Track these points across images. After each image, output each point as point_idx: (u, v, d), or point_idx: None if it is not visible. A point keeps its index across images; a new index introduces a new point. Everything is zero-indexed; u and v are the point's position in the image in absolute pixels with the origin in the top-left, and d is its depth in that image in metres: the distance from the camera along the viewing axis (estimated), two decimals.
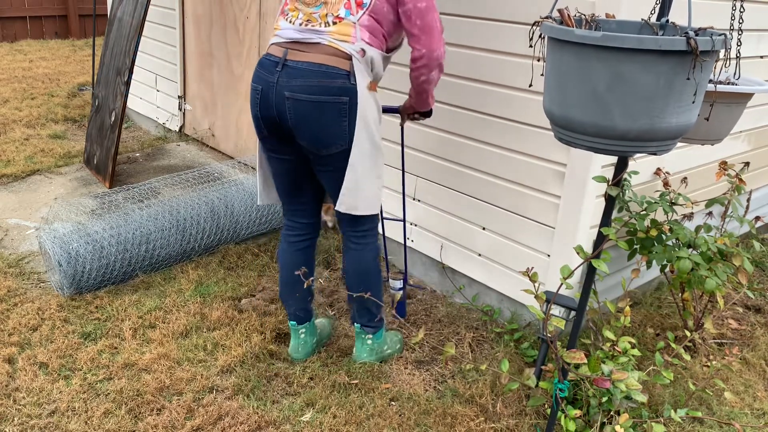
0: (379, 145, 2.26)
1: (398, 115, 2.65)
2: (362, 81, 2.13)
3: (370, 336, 2.55)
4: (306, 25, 2.15)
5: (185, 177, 3.80)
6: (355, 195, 2.25)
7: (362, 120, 2.16)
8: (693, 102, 1.56)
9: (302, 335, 2.58)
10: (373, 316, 2.52)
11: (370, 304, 2.48)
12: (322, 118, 2.13)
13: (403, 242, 3.29)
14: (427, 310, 3.02)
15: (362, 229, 2.41)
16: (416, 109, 2.42)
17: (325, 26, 2.13)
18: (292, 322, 2.57)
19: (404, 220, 2.82)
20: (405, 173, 3.05)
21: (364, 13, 2.12)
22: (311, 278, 2.45)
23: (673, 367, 2.60)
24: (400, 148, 3.16)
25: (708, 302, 2.76)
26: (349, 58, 2.11)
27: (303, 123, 2.15)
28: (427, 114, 2.50)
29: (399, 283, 2.81)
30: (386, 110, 2.57)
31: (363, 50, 2.12)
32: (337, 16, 2.12)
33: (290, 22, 2.19)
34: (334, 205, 2.32)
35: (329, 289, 3.14)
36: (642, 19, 1.75)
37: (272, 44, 2.22)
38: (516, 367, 2.58)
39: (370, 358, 2.57)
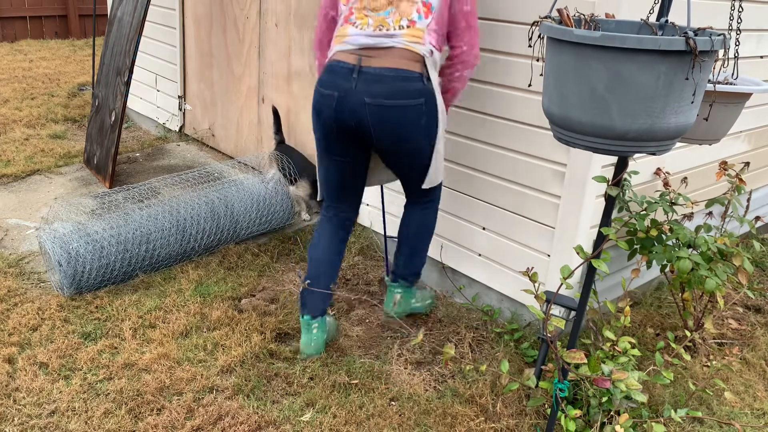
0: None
1: None
2: (434, 79, 2.29)
3: (401, 290, 2.77)
4: (380, 29, 2.26)
5: (185, 177, 3.80)
6: (437, 172, 2.48)
7: (442, 114, 2.35)
8: (692, 102, 1.56)
9: (315, 330, 2.59)
10: (416, 270, 2.73)
11: (418, 258, 2.70)
12: (404, 120, 2.27)
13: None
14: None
15: (432, 195, 2.63)
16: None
17: (399, 29, 2.26)
18: (306, 316, 2.57)
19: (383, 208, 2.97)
20: None
21: (432, 17, 2.26)
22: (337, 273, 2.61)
23: (673, 367, 2.60)
24: None
25: (708, 302, 2.76)
26: (421, 59, 2.24)
27: (385, 126, 2.27)
28: None
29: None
30: None
31: (432, 51, 2.27)
32: (411, 20, 2.25)
33: (359, 28, 2.29)
34: (407, 183, 2.56)
35: (334, 287, 3.13)
36: (641, 19, 1.75)
37: (340, 51, 2.30)
38: (516, 367, 2.58)
39: (398, 309, 2.81)
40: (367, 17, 2.28)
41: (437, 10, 2.27)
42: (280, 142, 3.99)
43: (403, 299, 2.81)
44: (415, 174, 2.49)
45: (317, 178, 2.59)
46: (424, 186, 2.50)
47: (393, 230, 3.34)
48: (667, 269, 2.68)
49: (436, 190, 2.65)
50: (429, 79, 2.27)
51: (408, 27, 2.25)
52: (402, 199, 3.25)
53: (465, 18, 2.32)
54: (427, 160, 2.41)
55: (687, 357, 2.28)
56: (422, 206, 2.65)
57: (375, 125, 2.27)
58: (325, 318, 2.62)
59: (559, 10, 1.67)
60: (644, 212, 2.53)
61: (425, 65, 2.26)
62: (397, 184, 3.23)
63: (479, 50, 2.40)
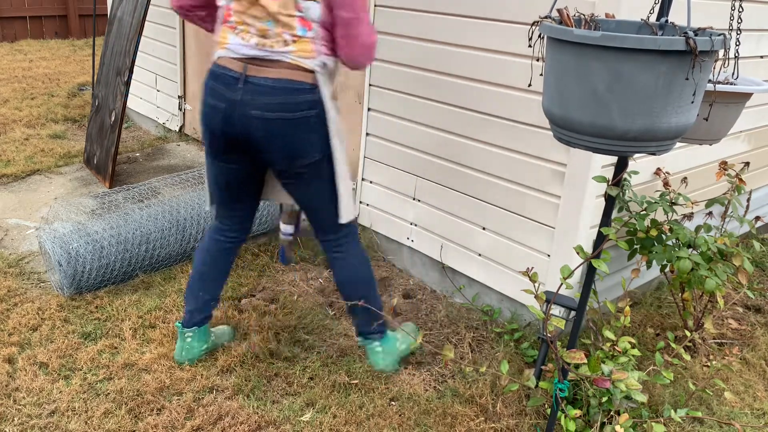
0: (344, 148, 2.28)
1: None
2: (327, 92, 2.14)
3: (378, 342, 2.51)
4: (266, 46, 2.09)
5: (185, 177, 3.80)
6: (352, 201, 2.27)
7: (335, 129, 2.18)
8: (692, 102, 1.56)
9: (189, 339, 2.51)
10: (375, 324, 2.47)
11: (371, 312, 2.43)
12: (294, 133, 2.12)
13: (403, 242, 3.29)
14: (427, 310, 3.02)
15: (343, 233, 2.39)
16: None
17: (284, 45, 2.08)
18: (178, 323, 2.52)
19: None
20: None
21: (318, 26, 2.08)
22: (221, 282, 2.48)
23: (673, 367, 2.60)
24: (400, 147, 3.16)
25: (708, 302, 2.76)
26: (312, 72, 2.10)
27: (273, 140, 2.13)
28: None
29: (290, 229, 2.68)
30: None
31: (324, 63, 2.12)
32: (295, 35, 2.08)
33: (242, 38, 2.12)
34: (309, 215, 2.36)
35: (329, 289, 3.14)
36: (641, 19, 1.75)
37: (223, 57, 2.17)
38: (516, 367, 2.58)
39: (388, 361, 2.52)
40: (248, 25, 2.10)
41: (321, 17, 2.08)
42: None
43: (386, 347, 2.54)
44: (305, 200, 2.32)
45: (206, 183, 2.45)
46: (343, 221, 2.31)
47: (393, 230, 3.34)
48: (667, 269, 2.68)
49: (348, 231, 2.41)
50: (320, 91, 2.12)
51: (294, 42, 2.08)
52: (399, 196, 3.25)
53: (344, 25, 2.08)
54: (328, 182, 2.24)
55: (687, 357, 2.28)
56: (337, 249, 2.41)
57: (263, 139, 2.13)
58: (205, 328, 2.53)
59: (559, 10, 1.67)
60: (644, 212, 2.53)
61: (317, 78, 2.11)
62: (390, 180, 3.23)
63: (365, 54, 2.13)
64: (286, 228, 2.67)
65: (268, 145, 2.14)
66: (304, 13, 2.05)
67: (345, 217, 2.30)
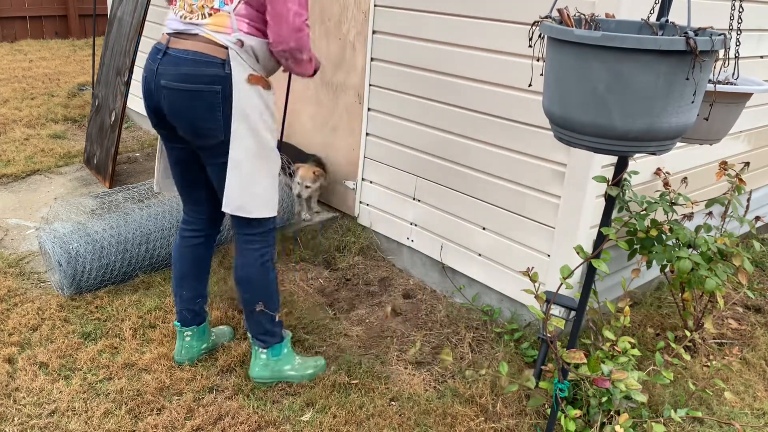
0: (268, 143, 2.17)
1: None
2: (239, 72, 2.06)
3: (264, 350, 2.40)
4: (187, 18, 2.10)
5: None
6: (242, 195, 2.16)
7: (239, 112, 2.08)
8: (692, 102, 1.56)
9: (187, 338, 2.50)
10: (264, 330, 2.38)
11: (261, 317, 2.34)
12: (195, 107, 2.07)
13: (403, 242, 3.29)
14: (428, 310, 3.02)
15: (252, 232, 2.27)
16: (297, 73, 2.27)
17: (202, 18, 2.08)
18: (176, 322, 2.50)
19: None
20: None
21: (240, 2, 2.04)
22: (202, 278, 2.42)
23: (673, 367, 2.60)
24: (400, 147, 3.16)
25: (708, 302, 2.76)
26: (225, 48, 2.05)
27: (177, 112, 2.10)
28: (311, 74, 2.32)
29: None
30: None
31: (240, 41, 2.05)
32: (213, 8, 2.06)
33: (175, 13, 2.15)
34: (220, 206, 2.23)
35: (329, 289, 3.14)
36: (641, 19, 1.75)
37: (162, 33, 2.18)
38: (516, 368, 2.58)
39: (263, 374, 2.41)
40: (182, 1, 2.12)
41: None
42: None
43: (271, 360, 2.42)
44: (217, 183, 2.22)
45: None
46: (223, 208, 2.18)
47: (393, 229, 3.34)
48: (667, 269, 2.68)
49: (265, 231, 2.28)
50: (230, 67, 2.04)
51: (210, 15, 2.06)
52: (399, 198, 3.25)
53: (270, 2, 2.02)
54: (222, 167, 2.14)
55: (687, 357, 2.28)
56: (242, 245, 2.29)
57: (168, 110, 2.10)
58: (203, 327, 2.53)
59: (559, 10, 1.67)
60: (644, 212, 2.53)
61: (228, 54, 2.05)
62: (390, 180, 3.23)
63: (295, 43, 2.06)
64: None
65: (174, 116, 2.11)
66: None
67: (227, 207, 2.18)
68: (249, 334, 2.44)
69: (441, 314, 2.97)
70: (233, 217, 2.25)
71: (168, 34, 2.14)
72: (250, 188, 2.17)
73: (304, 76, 2.26)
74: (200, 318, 2.52)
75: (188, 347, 2.51)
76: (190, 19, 2.09)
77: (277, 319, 2.38)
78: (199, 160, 2.29)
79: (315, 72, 2.31)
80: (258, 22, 2.08)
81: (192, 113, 2.08)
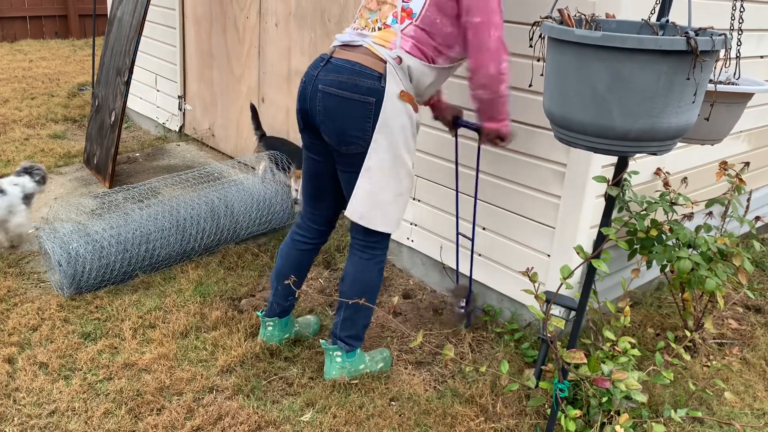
0: (404, 162, 2.21)
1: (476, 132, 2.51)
2: (393, 86, 2.12)
3: (339, 354, 2.44)
4: (359, 30, 2.22)
5: (185, 177, 3.80)
6: (368, 204, 2.23)
7: (384, 125, 2.14)
8: (693, 102, 1.56)
9: (269, 327, 2.63)
10: (356, 333, 2.44)
11: (359, 319, 2.41)
12: (347, 114, 2.14)
13: (403, 242, 3.28)
14: (428, 310, 3.02)
15: (372, 240, 2.35)
16: (487, 126, 2.31)
17: (371, 31, 2.19)
18: (259, 313, 2.64)
19: (472, 244, 2.75)
20: (458, 177, 2.89)
21: (411, 24, 2.14)
22: (294, 280, 2.47)
23: (673, 367, 2.60)
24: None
25: (708, 302, 2.76)
26: (384, 62, 2.13)
27: (328, 117, 2.18)
28: (501, 137, 2.34)
29: (462, 302, 2.79)
30: (465, 125, 2.52)
31: (400, 57, 2.12)
32: (385, 23, 2.18)
33: (353, 28, 2.26)
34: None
35: (330, 289, 3.14)
36: (642, 19, 1.75)
37: (331, 46, 2.28)
38: (516, 368, 2.58)
39: (339, 375, 2.46)
40: (362, 18, 2.26)
41: (420, 18, 2.13)
42: (263, 137, 4.01)
43: (347, 362, 2.47)
44: (348, 189, 2.29)
45: None
46: (347, 213, 2.26)
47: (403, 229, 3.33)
48: (667, 269, 2.68)
49: (381, 240, 2.36)
50: (386, 82, 2.11)
51: (380, 29, 2.18)
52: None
53: (473, 31, 2.09)
54: (356, 174, 2.21)
55: (687, 357, 2.28)
56: (360, 252, 2.37)
57: (320, 113, 2.18)
58: (287, 320, 2.64)
59: (559, 10, 1.67)
60: (644, 212, 2.53)
61: (386, 69, 2.12)
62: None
63: (494, 71, 2.11)
64: (458, 302, 2.78)
65: (324, 119, 2.19)
66: (408, 4, 2.14)
67: (352, 215, 2.25)
68: (323, 342, 2.49)
69: (441, 314, 2.97)
70: (354, 222, 2.30)
71: (335, 46, 2.24)
72: (376, 201, 2.23)
73: (490, 122, 2.27)
74: (285, 313, 2.62)
75: (269, 335, 2.63)
76: (362, 30, 2.21)
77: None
78: (332, 173, 2.37)
79: (506, 136, 2.32)
80: (424, 45, 2.16)
81: (342, 119, 2.16)
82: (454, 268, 3.00)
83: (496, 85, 2.15)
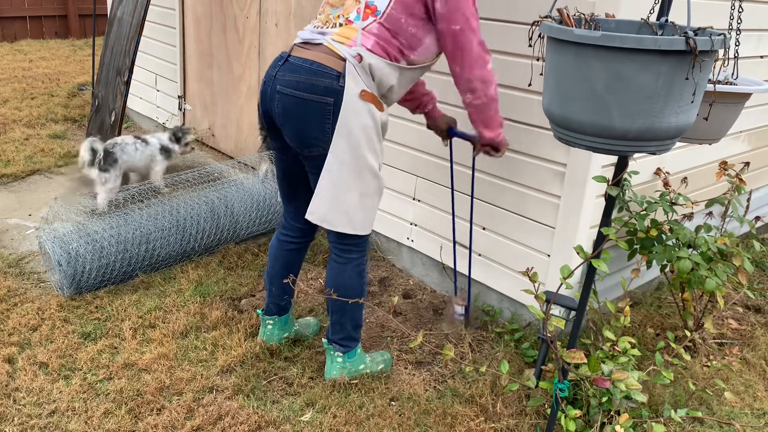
0: (366, 161, 2.13)
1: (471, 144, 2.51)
2: (353, 86, 2.05)
3: (340, 354, 2.44)
4: (319, 27, 2.17)
5: (185, 177, 3.80)
6: (329, 206, 2.17)
7: (344, 126, 2.07)
8: (692, 102, 1.56)
9: (269, 326, 2.63)
10: (347, 335, 2.42)
11: (346, 321, 2.39)
12: (305, 115, 2.10)
13: (403, 242, 3.28)
14: (427, 310, 3.02)
15: (346, 243, 2.30)
16: (481, 135, 2.29)
17: (332, 28, 2.13)
18: (259, 311, 2.64)
19: (470, 248, 2.74)
20: (453, 190, 2.86)
21: (375, 21, 2.08)
22: (293, 279, 2.47)
23: (673, 367, 2.60)
24: (400, 147, 3.16)
25: (708, 302, 2.76)
26: (343, 60, 2.06)
27: (287, 118, 2.14)
28: (496, 147, 2.33)
29: (462, 309, 2.78)
30: (460, 136, 2.50)
31: (360, 55, 2.05)
32: (347, 20, 2.11)
33: (312, 25, 2.21)
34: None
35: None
36: (641, 19, 1.75)
37: (293, 44, 2.23)
38: (516, 367, 2.58)
39: (339, 375, 2.45)
40: (323, 14, 2.19)
41: (384, 16, 2.06)
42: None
43: (348, 363, 2.46)
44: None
45: None
46: (307, 215, 2.20)
47: (392, 230, 3.33)
48: (667, 269, 2.68)
49: (356, 243, 2.31)
50: (345, 81, 2.04)
51: (341, 26, 2.11)
52: (399, 198, 3.25)
53: (453, 38, 2.07)
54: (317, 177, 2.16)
55: (687, 357, 2.28)
56: (336, 256, 2.33)
57: (279, 115, 2.14)
58: (286, 318, 2.63)
59: (559, 10, 1.67)
60: (644, 212, 2.53)
61: (345, 68, 2.05)
62: (394, 183, 3.23)
63: (480, 74, 2.10)
64: (458, 309, 2.76)
65: (283, 121, 2.15)
66: (373, 1, 2.08)
67: (312, 216, 2.20)
68: (324, 341, 2.47)
69: (441, 314, 2.97)
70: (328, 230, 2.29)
71: (295, 44, 2.19)
72: (337, 202, 2.17)
73: (485, 132, 2.26)
74: (284, 311, 2.61)
75: (269, 334, 2.63)
76: (321, 28, 2.15)
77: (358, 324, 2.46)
78: (303, 172, 2.33)
79: (501, 145, 2.31)
80: (387, 44, 2.09)
81: (301, 121, 2.11)
82: (453, 269, 3.00)
83: (484, 89, 2.13)
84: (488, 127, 2.25)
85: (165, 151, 3.96)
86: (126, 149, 3.79)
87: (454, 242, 2.84)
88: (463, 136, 2.49)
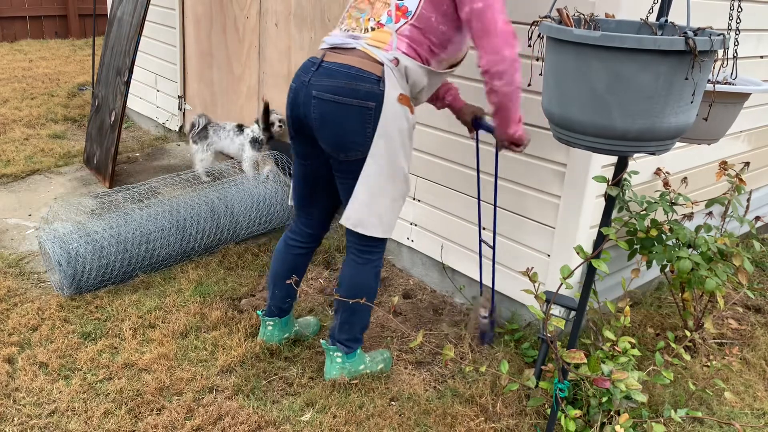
0: (401, 167, 2.16)
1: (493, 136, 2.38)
2: (392, 90, 2.07)
3: (340, 354, 2.43)
4: (350, 31, 2.15)
5: (185, 177, 3.80)
6: (365, 212, 2.18)
7: (383, 130, 2.09)
8: (692, 102, 1.56)
9: (269, 327, 2.63)
10: (353, 336, 2.43)
11: (356, 322, 2.40)
12: (346, 120, 2.09)
13: (403, 242, 3.28)
14: (428, 310, 3.02)
15: (368, 244, 2.30)
16: (502, 131, 2.21)
17: (364, 32, 2.12)
18: (259, 312, 2.65)
19: (494, 250, 2.65)
20: (480, 191, 2.76)
21: (407, 23, 2.08)
22: (296, 280, 2.47)
23: (673, 367, 2.60)
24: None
25: (708, 302, 2.76)
26: (381, 64, 2.06)
27: (326, 124, 2.12)
28: (516, 142, 2.24)
29: (486, 312, 2.73)
30: (482, 127, 2.41)
31: (397, 59, 2.06)
32: (378, 23, 2.11)
33: (340, 29, 2.20)
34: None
35: (330, 289, 3.14)
36: (641, 19, 1.75)
37: (319, 48, 2.22)
38: (516, 368, 2.58)
39: (339, 375, 2.45)
40: (351, 18, 2.18)
41: (416, 17, 2.07)
42: (270, 138, 4.02)
43: (347, 363, 2.46)
44: (346, 197, 2.24)
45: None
46: (342, 221, 2.22)
47: (394, 230, 3.33)
48: (667, 269, 2.68)
49: (377, 244, 2.31)
50: (385, 85, 2.05)
51: (373, 30, 2.10)
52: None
53: (478, 18, 1.99)
54: (355, 180, 2.16)
55: (687, 357, 2.28)
56: (355, 256, 2.33)
57: (317, 121, 2.12)
58: (286, 319, 2.63)
59: (558, 10, 1.67)
60: (644, 212, 2.53)
61: (384, 72, 2.06)
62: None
63: (510, 54, 2.00)
64: (482, 311, 2.71)
65: (321, 127, 2.13)
66: (403, 2, 2.07)
67: (347, 221, 2.21)
68: (323, 342, 2.48)
69: (441, 314, 2.97)
70: (348, 230, 2.29)
71: (323, 48, 2.17)
72: (373, 207, 2.18)
73: (508, 126, 2.17)
74: (285, 313, 2.61)
75: (269, 334, 2.63)
76: (353, 31, 2.13)
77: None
78: (325, 179, 2.34)
79: (522, 140, 2.22)
80: (419, 45, 2.10)
81: (341, 126, 2.10)
82: (475, 276, 3.00)
83: (512, 73, 2.03)
84: (512, 121, 2.17)
85: (255, 142, 4.03)
86: (219, 133, 4.11)
87: (480, 245, 2.73)
88: (490, 129, 2.35)
